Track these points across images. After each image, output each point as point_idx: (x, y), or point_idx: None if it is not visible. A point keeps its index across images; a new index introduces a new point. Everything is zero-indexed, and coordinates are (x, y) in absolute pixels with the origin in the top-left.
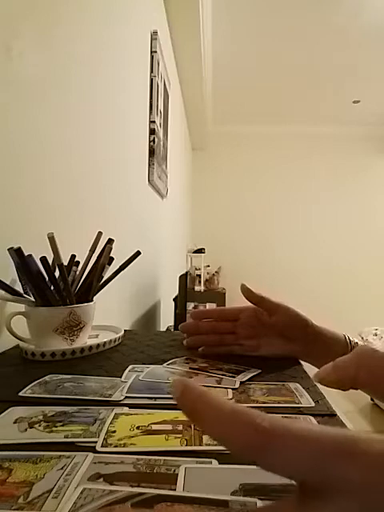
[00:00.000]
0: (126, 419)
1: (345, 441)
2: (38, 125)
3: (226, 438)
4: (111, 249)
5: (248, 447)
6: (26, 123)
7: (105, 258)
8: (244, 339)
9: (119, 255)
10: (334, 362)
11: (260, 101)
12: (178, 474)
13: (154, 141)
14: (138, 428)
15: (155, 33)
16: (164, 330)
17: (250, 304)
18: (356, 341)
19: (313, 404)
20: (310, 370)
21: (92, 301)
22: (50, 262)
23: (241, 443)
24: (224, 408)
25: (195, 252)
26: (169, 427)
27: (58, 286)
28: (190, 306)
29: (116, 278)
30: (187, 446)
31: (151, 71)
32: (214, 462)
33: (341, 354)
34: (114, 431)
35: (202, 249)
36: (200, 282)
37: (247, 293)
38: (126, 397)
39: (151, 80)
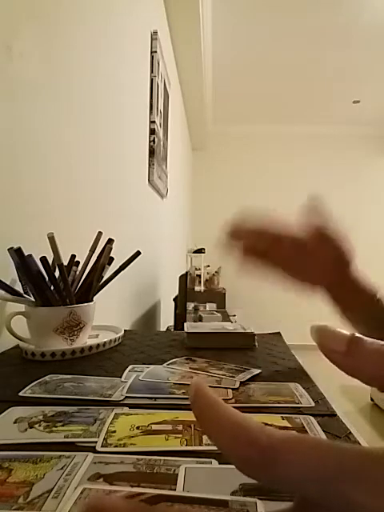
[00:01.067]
0: (126, 419)
1: (350, 460)
2: (38, 125)
3: (228, 455)
4: (111, 249)
5: (247, 465)
6: (26, 123)
7: (105, 258)
8: (285, 259)
9: (119, 255)
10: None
11: (260, 101)
12: (177, 474)
13: (154, 141)
14: (137, 428)
15: (155, 33)
16: (164, 330)
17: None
18: None
19: (313, 404)
20: (311, 369)
21: (92, 301)
22: (50, 262)
23: (240, 461)
24: (226, 422)
25: (195, 252)
26: (169, 427)
27: (58, 286)
28: (190, 305)
29: (116, 277)
30: (187, 446)
31: (151, 71)
32: (214, 462)
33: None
34: (114, 431)
35: (201, 249)
36: (200, 282)
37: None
38: (126, 397)
39: (151, 80)
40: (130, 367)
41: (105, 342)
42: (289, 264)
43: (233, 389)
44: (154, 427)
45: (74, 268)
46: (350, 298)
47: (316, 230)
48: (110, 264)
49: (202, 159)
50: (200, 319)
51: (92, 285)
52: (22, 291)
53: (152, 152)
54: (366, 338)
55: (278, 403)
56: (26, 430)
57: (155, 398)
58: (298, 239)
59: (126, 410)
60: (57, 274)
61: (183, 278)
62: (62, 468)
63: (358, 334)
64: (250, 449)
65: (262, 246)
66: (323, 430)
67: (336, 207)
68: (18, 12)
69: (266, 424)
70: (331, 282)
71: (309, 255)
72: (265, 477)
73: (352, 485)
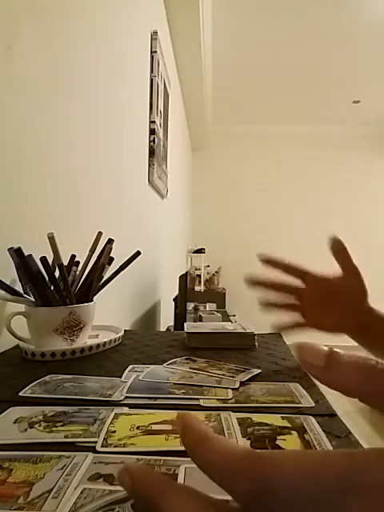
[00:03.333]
0: (126, 419)
1: (349, 472)
2: (38, 125)
3: (225, 491)
4: (111, 249)
5: (245, 499)
6: (26, 123)
7: (105, 258)
8: (309, 306)
9: (119, 255)
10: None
11: (260, 101)
12: (178, 474)
13: (154, 141)
14: (138, 428)
15: (155, 33)
16: (164, 330)
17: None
18: None
19: (313, 404)
20: None
21: (92, 301)
22: (50, 262)
23: (237, 495)
24: (216, 457)
25: (195, 252)
26: (169, 427)
27: (58, 286)
28: (190, 305)
29: (116, 278)
30: None
31: (151, 71)
32: None
33: None
34: (114, 431)
35: (202, 249)
36: (200, 282)
37: (338, 246)
38: (126, 397)
39: (151, 80)
40: (130, 367)
41: (105, 342)
42: (316, 301)
43: (233, 389)
44: (154, 427)
45: (73, 268)
46: (376, 333)
47: (341, 268)
48: (110, 264)
49: (202, 159)
50: (200, 319)
51: (92, 285)
52: (22, 291)
53: (152, 152)
54: (343, 352)
55: (278, 403)
56: (26, 430)
57: (155, 398)
58: (322, 278)
59: (125, 409)
60: (57, 274)
61: (183, 278)
62: (62, 468)
63: (335, 349)
64: (244, 483)
65: (293, 276)
66: (323, 430)
67: (336, 207)
68: (18, 12)
69: (266, 424)
70: (355, 319)
71: (333, 293)
72: (263, 507)
73: (356, 497)
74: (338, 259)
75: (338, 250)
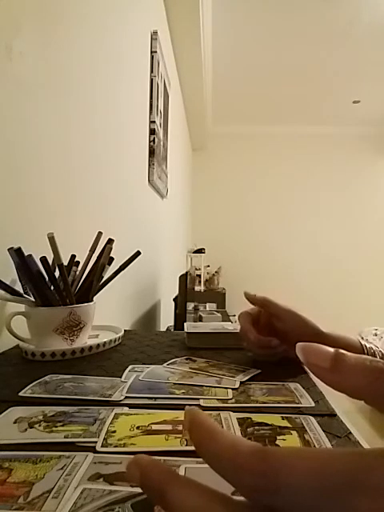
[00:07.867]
0: (126, 419)
1: (356, 470)
2: (38, 125)
3: (231, 484)
4: (111, 249)
5: (250, 493)
6: (25, 123)
7: (105, 258)
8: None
9: (119, 255)
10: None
11: (260, 101)
12: None
13: (153, 141)
14: (137, 428)
15: (155, 33)
16: (164, 330)
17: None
18: (372, 347)
19: (313, 404)
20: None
21: (92, 301)
22: (50, 262)
23: (243, 489)
24: (224, 451)
25: (195, 252)
26: (169, 427)
27: (58, 286)
28: (190, 305)
29: (116, 278)
30: (187, 446)
31: (151, 71)
32: None
33: None
34: (114, 431)
35: (202, 249)
36: (200, 282)
37: (249, 297)
38: (126, 397)
39: (151, 80)
40: (130, 367)
41: (105, 342)
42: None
43: (233, 389)
44: (154, 427)
45: (73, 268)
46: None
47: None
48: (110, 264)
49: (201, 159)
50: (200, 319)
51: (92, 285)
52: (22, 291)
53: (152, 152)
54: (349, 353)
55: (278, 403)
56: (25, 430)
57: (155, 398)
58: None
59: (126, 409)
60: (57, 273)
61: (183, 278)
62: (62, 468)
63: (341, 351)
64: (250, 478)
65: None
66: (323, 430)
67: (336, 207)
68: (18, 11)
69: (266, 424)
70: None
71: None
72: (268, 501)
73: (361, 495)
74: (262, 308)
75: (254, 300)
